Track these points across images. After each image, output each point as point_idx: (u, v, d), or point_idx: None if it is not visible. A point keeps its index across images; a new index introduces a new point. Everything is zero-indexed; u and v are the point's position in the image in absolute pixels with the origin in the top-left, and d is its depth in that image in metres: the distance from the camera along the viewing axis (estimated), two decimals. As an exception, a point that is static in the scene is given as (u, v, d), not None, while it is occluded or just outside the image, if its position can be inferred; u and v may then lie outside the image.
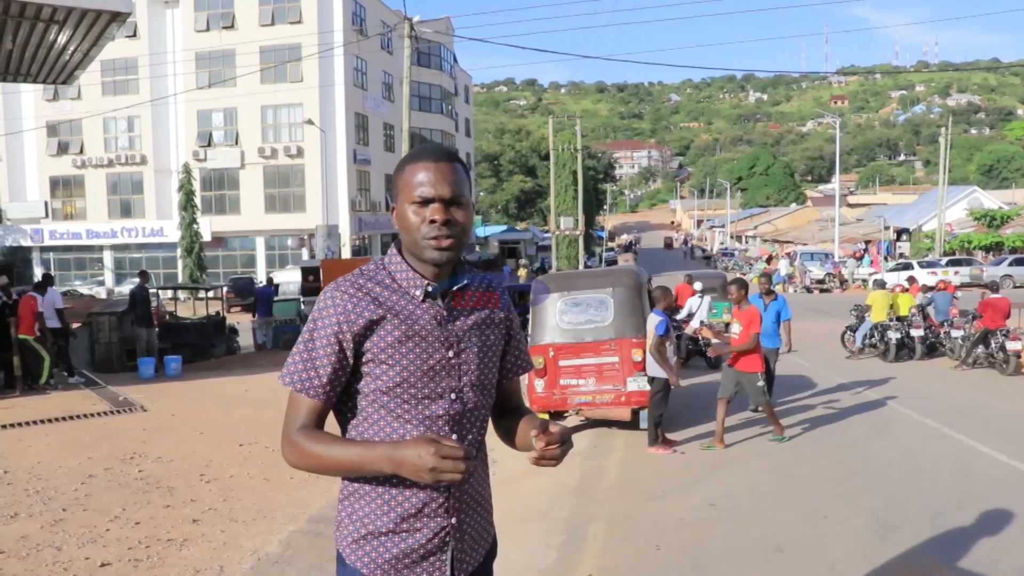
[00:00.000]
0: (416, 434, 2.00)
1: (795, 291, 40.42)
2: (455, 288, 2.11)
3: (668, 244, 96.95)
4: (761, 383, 9.38)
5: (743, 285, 9.67)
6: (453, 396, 2.07)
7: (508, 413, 2.32)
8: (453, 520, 2.07)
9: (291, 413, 2.05)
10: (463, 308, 2.13)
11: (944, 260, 39.20)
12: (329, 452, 1.96)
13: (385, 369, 2.01)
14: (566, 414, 10.65)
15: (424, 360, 2.03)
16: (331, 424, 2.11)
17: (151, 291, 17.81)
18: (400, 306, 2.04)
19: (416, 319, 2.04)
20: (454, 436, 2.06)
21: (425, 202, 2.02)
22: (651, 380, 9.38)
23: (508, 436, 2.29)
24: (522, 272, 34.70)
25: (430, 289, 2.06)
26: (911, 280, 19.57)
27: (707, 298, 16.69)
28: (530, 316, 10.60)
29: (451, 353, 2.06)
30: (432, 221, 2.01)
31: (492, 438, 2.32)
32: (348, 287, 2.04)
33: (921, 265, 37.18)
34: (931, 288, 18.84)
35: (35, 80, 18.14)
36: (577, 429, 10.77)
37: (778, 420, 9.73)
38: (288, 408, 2.06)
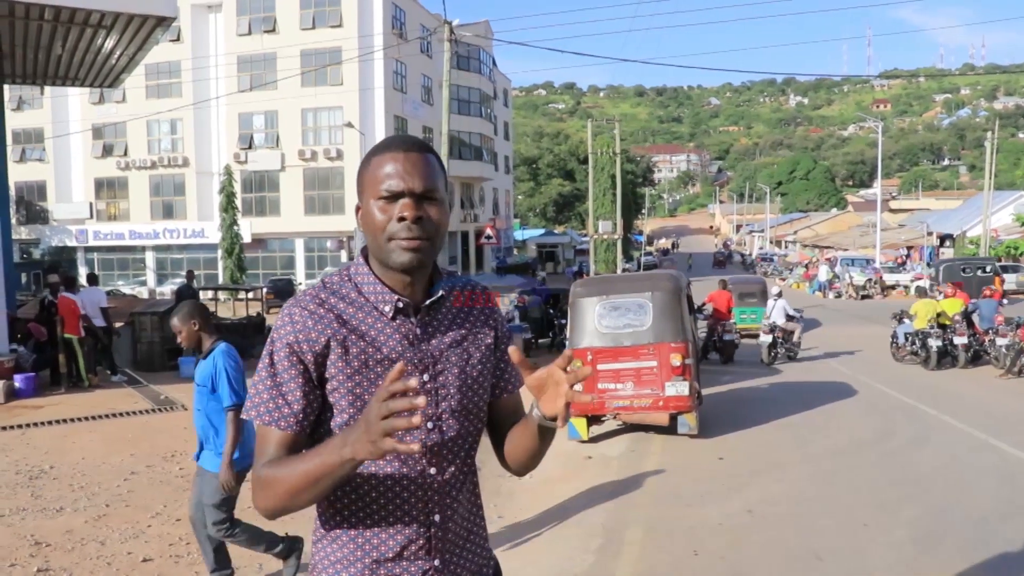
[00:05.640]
0: (390, 471, 1.79)
1: (837, 296, 39.99)
2: (431, 300, 1.85)
3: (719, 261, 71.33)
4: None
5: None
6: (430, 425, 1.81)
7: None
8: (436, 562, 1.82)
9: (259, 451, 1.78)
10: (440, 323, 1.87)
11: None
12: (288, 467, 1.68)
13: (352, 400, 1.76)
14: (604, 418, 10.63)
15: None
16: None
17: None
18: (367, 325, 1.79)
19: (384, 340, 1.79)
20: (432, 471, 1.82)
21: (393, 197, 1.76)
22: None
23: (505, 460, 1.99)
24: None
25: (400, 305, 1.81)
26: (959, 285, 19.27)
27: (781, 301, 18.44)
28: (568, 320, 10.60)
29: (426, 377, 1.81)
30: (401, 219, 1.75)
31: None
32: (309, 302, 1.79)
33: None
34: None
35: (82, 84, 18.48)
36: (614, 433, 10.76)
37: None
38: (257, 446, 1.80)
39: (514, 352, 1.75)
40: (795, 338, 18.23)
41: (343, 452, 1.57)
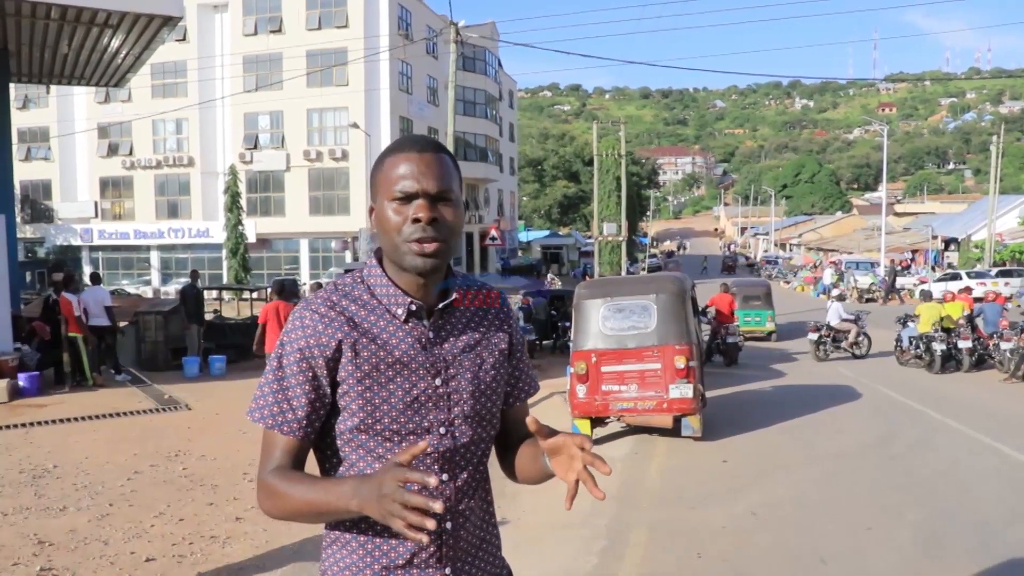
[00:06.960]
0: None
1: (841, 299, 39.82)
2: (445, 303, 1.82)
3: (729, 266, 66.27)
4: None
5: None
6: (443, 431, 1.78)
7: (515, 446, 1.97)
8: (447, 570, 1.80)
9: (264, 454, 1.78)
10: (454, 327, 1.84)
11: (994, 271, 38.46)
12: (297, 491, 1.69)
13: (362, 404, 1.73)
14: (607, 420, 10.62)
15: (407, 391, 1.75)
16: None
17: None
18: (379, 328, 1.77)
19: (397, 343, 1.76)
20: (444, 476, 1.79)
21: (407, 198, 1.74)
22: None
23: (512, 471, 1.99)
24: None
25: (413, 308, 1.78)
26: (967, 290, 19.30)
27: (838, 304, 19.80)
28: (572, 322, 10.59)
29: (438, 381, 1.78)
30: (416, 220, 1.72)
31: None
32: (320, 305, 1.77)
33: (970, 275, 36.53)
34: (980, 299, 18.55)
35: (88, 83, 18.54)
36: (618, 435, 10.75)
37: None
38: (262, 449, 1.80)
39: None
40: (852, 337, 19.12)
41: (351, 504, 1.59)
